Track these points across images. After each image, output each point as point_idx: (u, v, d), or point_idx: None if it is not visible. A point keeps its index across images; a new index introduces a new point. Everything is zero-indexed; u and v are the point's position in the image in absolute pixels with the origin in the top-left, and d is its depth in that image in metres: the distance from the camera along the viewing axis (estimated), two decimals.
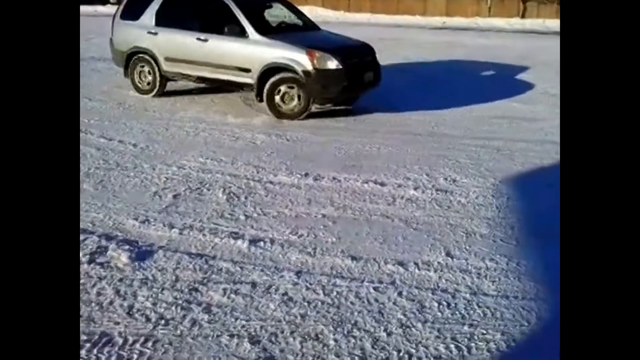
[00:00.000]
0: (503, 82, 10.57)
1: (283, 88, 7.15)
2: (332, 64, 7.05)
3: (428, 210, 4.38)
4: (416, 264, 3.49)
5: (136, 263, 3.38)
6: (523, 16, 32.75)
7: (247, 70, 7.33)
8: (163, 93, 8.34)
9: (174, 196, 4.50)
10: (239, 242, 3.67)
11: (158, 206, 4.28)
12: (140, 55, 8.18)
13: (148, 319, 2.85)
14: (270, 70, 7.18)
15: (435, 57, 13.66)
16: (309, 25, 8.79)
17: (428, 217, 4.24)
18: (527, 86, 10.02)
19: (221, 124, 6.89)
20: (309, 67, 6.98)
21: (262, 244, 3.67)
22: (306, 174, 5.06)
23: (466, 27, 27.94)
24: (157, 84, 8.21)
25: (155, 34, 7.99)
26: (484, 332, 2.82)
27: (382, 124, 7.15)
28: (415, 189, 4.81)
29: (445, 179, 5.08)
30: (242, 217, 4.09)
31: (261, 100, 7.32)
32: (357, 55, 7.59)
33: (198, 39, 7.62)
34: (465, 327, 2.85)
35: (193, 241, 3.70)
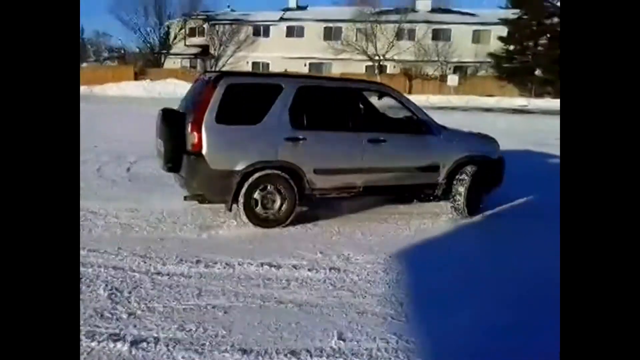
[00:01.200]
0: None
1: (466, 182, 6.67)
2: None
3: (322, 291, 4.36)
4: (309, 351, 3.41)
5: None
6: (410, 92, 35.22)
7: (435, 169, 6.66)
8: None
9: None
10: (119, 344, 3.42)
11: None
12: (270, 172, 5.82)
13: None
14: (461, 165, 6.71)
15: None
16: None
17: (322, 298, 4.22)
18: None
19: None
20: (496, 156, 7.07)
21: (145, 344, 3.43)
22: (197, 262, 4.90)
23: None
24: (293, 208, 5.98)
25: (299, 139, 5.86)
26: None
27: None
28: (310, 269, 4.80)
29: (339, 256, 5.13)
30: (124, 316, 3.83)
31: (445, 198, 6.80)
32: None
33: (371, 140, 6.22)
34: None
35: None
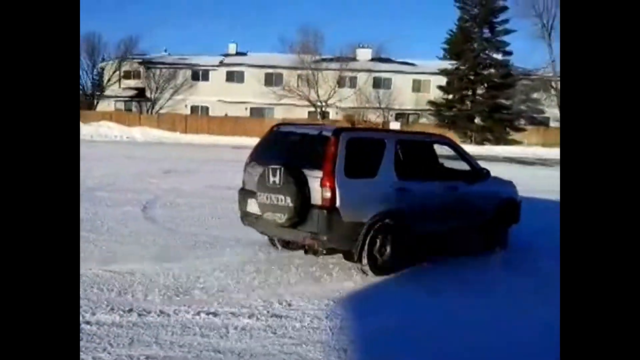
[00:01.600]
0: None
1: None
2: None
3: (262, 339, 4.14)
4: None
5: None
6: None
7: (487, 211, 7.30)
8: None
9: None
10: None
11: None
12: (388, 221, 5.97)
13: None
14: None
15: None
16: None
17: (262, 347, 3.99)
18: None
19: None
20: (518, 198, 7.83)
21: None
22: (130, 310, 4.57)
23: None
24: (402, 254, 6.20)
25: (404, 190, 6.11)
26: None
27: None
28: (250, 316, 4.57)
29: (280, 302, 4.93)
30: None
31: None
32: None
33: (449, 187, 6.71)
34: None
35: None
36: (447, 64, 37.39)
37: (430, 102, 36.43)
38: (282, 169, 5.75)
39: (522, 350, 4.24)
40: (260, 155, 6.46)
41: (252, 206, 6.23)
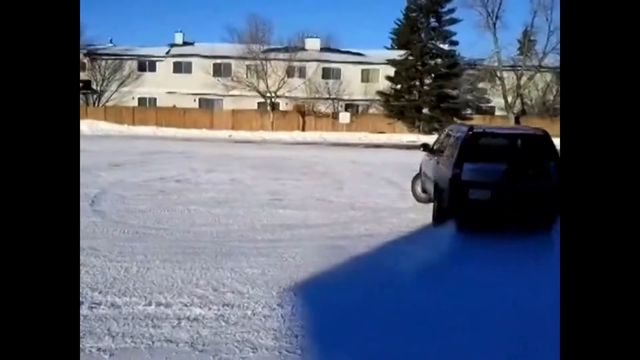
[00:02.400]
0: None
1: None
2: None
3: (215, 328, 4.21)
4: None
5: None
6: (303, 129, 35.88)
7: None
8: None
9: None
10: None
11: None
12: None
13: None
14: None
15: (222, 168, 14.04)
16: None
17: (215, 335, 4.07)
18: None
19: None
20: None
21: None
22: (80, 303, 4.55)
23: (251, 139, 29.46)
24: None
25: None
26: None
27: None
28: (202, 306, 4.63)
29: (232, 292, 5.00)
30: None
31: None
32: None
33: None
34: None
35: None
36: (395, 55, 37.84)
37: (379, 93, 36.81)
38: None
39: None
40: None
41: None
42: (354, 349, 3.93)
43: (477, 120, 36.42)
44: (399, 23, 41.72)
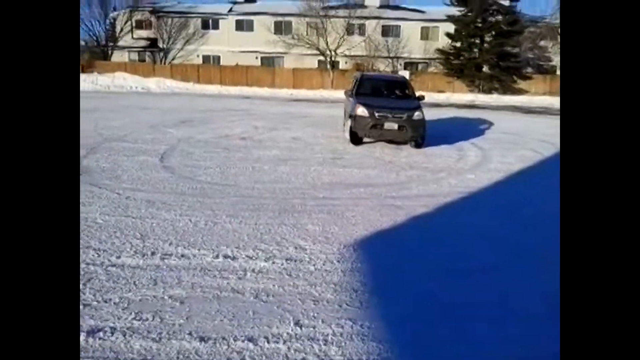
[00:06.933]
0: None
1: None
2: None
3: (278, 280, 4.44)
4: (266, 337, 3.50)
5: None
6: None
7: None
8: None
9: None
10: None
11: None
12: None
13: None
14: None
15: (284, 126, 14.22)
16: None
17: (278, 287, 4.29)
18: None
19: None
20: None
21: (101, 334, 3.43)
22: (152, 254, 4.88)
23: (311, 98, 29.50)
24: None
25: None
26: None
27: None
28: (266, 260, 4.86)
29: (295, 247, 5.21)
30: (80, 307, 3.80)
31: None
32: None
33: None
34: None
35: None
36: (456, 11, 36.51)
37: (439, 50, 35.78)
38: None
39: None
40: None
41: None
42: (413, 306, 4.06)
43: (538, 81, 34.97)
44: None
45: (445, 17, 36.50)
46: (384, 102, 12.08)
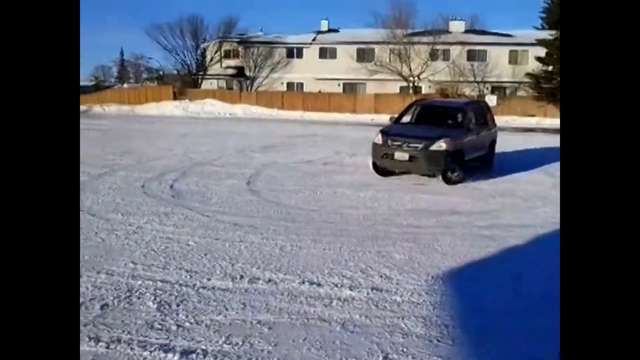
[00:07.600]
0: None
1: None
2: None
3: (365, 310, 4.35)
4: None
5: None
6: None
7: None
8: None
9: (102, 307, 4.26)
10: (170, 355, 3.48)
11: (83, 318, 4.03)
12: None
13: None
14: None
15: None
16: None
17: (365, 318, 4.20)
18: None
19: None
20: None
21: (194, 356, 3.50)
22: (241, 277, 4.96)
23: None
24: None
25: None
26: None
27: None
28: (351, 288, 4.80)
29: (380, 276, 5.11)
30: (174, 327, 3.90)
31: None
32: None
33: None
34: None
35: (120, 356, 3.48)
36: (546, 34, 35.25)
37: (529, 74, 34.63)
38: None
39: None
40: None
41: None
42: (506, 347, 3.84)
43: None
44: (549, 2, 38.64)
45: (535, 41, 35.41)
46: (411, 131, 10.70)
